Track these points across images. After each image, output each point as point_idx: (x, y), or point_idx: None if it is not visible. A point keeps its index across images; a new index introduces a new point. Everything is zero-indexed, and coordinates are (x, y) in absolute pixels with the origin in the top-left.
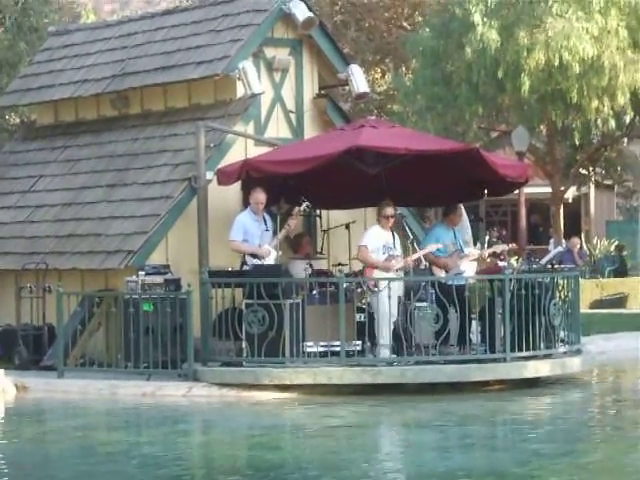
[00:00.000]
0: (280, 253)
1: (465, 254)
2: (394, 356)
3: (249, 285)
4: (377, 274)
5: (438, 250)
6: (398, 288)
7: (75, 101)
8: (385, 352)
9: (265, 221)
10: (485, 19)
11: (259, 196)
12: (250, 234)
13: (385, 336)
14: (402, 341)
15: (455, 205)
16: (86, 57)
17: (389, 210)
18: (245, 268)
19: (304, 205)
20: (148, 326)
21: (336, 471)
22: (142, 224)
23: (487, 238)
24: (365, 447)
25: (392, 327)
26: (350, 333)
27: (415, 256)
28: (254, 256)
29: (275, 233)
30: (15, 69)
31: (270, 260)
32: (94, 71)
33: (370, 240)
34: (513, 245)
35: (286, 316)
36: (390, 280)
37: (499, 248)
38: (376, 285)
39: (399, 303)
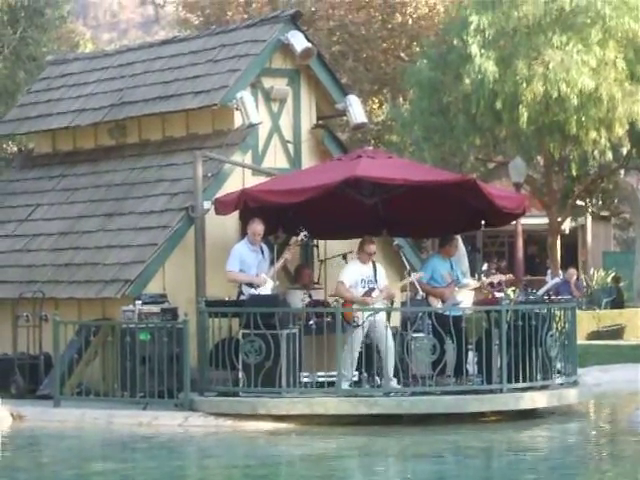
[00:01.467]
0: (277, 283)
1: (462, 285)
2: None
3: (246, 315)
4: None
5: (434, 280)
6: (385, 318)
7: (73, 130)
8: (346, 384)
9: (262, 251)
10: (483, 50)
11: (257, 227)
12: (247, 264)
13: (351, 370)
14: (399, 372)
15: (451, 236)
16: (84, 86)
17: (371, 247)
18: (242, 298)
19: (302, 235)
20: (145, 355)
21: None
22: (139, 253)
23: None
24: (360, 478)
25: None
26: None
27: (393, 290)
28: (251, 285)
29: (272, 263)
30: (13, 98)
31: (267, 289)
32: (92, 100)
33: (347, 276)
34: (510, 276)
35: (283, 346)
36: (374, 311)
37: (496, 279)
38: (354, 319)
39: (395, 333)
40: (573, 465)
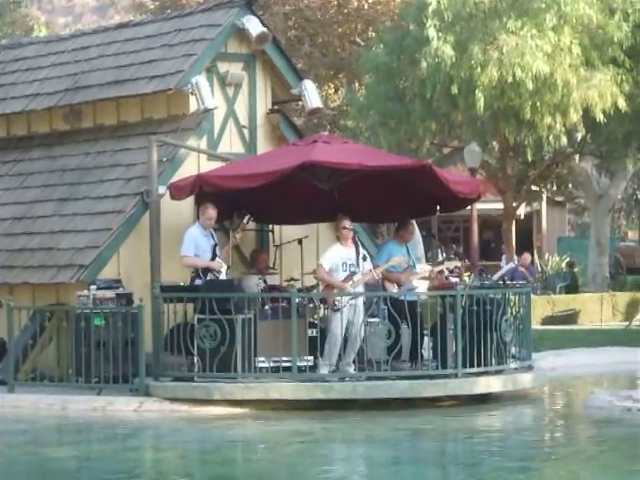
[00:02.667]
0: (227, 267)
1: (417, 270)
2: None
3: (201, 300)
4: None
5: (390, 265)
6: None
7: (27, 115)
8: (327, 369)
9: (212, 236)
10: (440, 34)
11: (211, 212)
12: (201, 249)
13: (335, 355)
14: (355, 357)
15: (406, 221)
16: (38, 71)
17: (345, 222)
18: (197, 282)
19: (246, 219)
20: (99, 341)
21: None
22: (94, 238)
23: (444, 255)
24: (315, 462)
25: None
26: (302, 348)
27: (380, 270)
28: (207, 270)
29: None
30: None
31: (222, 274)
32: (46, 85)
33: (328, 259)
34: (465, 261)
35: (238, 331)
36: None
37: (451, 264)
38: (335, 304)
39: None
40: (527, 448)
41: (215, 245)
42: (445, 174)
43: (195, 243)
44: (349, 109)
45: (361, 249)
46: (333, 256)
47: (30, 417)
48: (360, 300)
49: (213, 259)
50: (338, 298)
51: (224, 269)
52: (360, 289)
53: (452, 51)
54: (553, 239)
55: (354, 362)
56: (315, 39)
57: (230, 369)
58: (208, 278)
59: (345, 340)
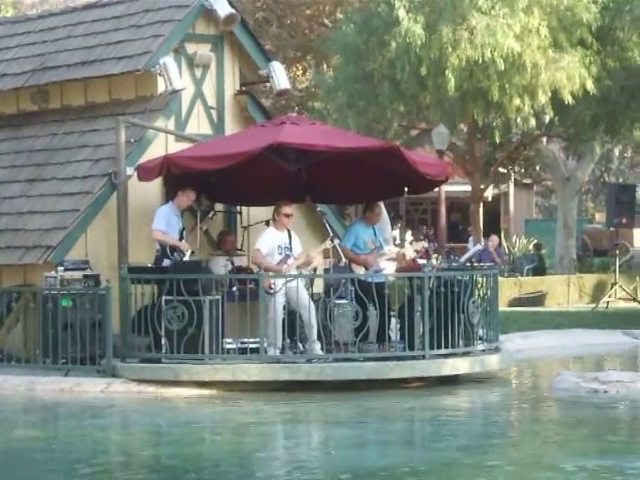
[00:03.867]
0: (191, 252)
1: (384, 252)
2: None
3: (169, 281)
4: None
5: (357, 247)
6: (307, 285)
7: None
8: (272, 351)
9: (181, 219)
10: (410, 15)
11: (192, 195)
12: (171, 227)
13: (278, 337)
14: (322, 338)
15: (373, 203)
16: (5, 51)
17: (287, 208)
18: (166, 263)
19: (211, 214)
20: (67, 322)
21: (251, 467)
22: (61, 219)
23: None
24: (282, 444)
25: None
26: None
27: (312, 254)
28: (173, 251)
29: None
30: None
31: (186, 256)
32: (13, 65)
33: (264, 243)
34: (433, 243)
35: (206, 313)
36: (293, 278)
37: (418, 246)
38: (271, 287)
39: (318, 300)
40: (492, 429)
41: (183, 229)
42: (413, 156)
43: (167, 220)
44: (317, 90)
45: (293, 233)
46: (269, 240)
47: None
48: (300, 281)
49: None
50: (273, 281)
51: (188, 252)
52: (294, 271)
53: (422, 31)
54: (520, 221)
55: (322, 343)
56: (283, 20)
57: (197, 350)
58: (172, 258)
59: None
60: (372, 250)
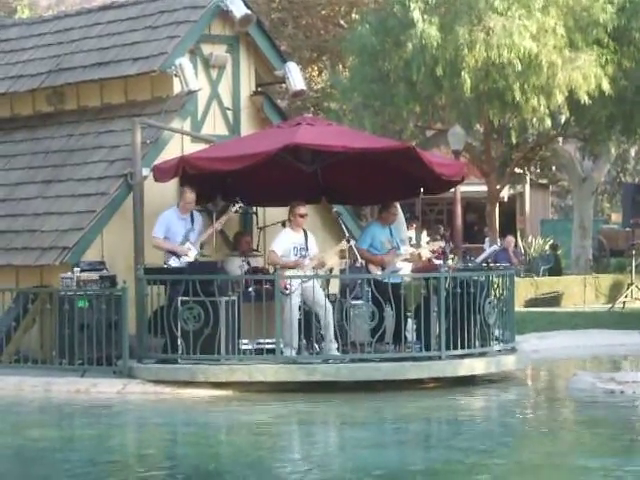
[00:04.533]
0: (200, 252)
1: (400, 252)
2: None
3: (185, 282)
4: (290, 275)
5: (374, 248)
6: (323, 285)
7: (10, 97)
8: (289, 352)
9: (192, 220)
10: (425, 16)
11: (189, 196)
12: (172, 232)
13: (294, 338)
14: (338, 339)
15: (389, 203)
16: (22, 52)
17: (301, 209)
18: (173, 263)
19: (237, 206)
20: (83, 323)
21: (268, 468)
22: (77, 220)
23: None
24: (299, 444)
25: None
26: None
27: (326, 257)
28: (173, 254)
29: (202, 232)
30: None
31: (189, 258)
32: (29, 67)
33: (279, 244)
34: (450, 244)
35: (222, 313)
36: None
37: (435, 246)
38: (287, 287)
39: (334, 300)
40: (509, 430)
41: (189, 230)
42: (429, 156)
43: (167, 226)
44: (333, 91)
45: (309, 234)
46: (285, 241)
47: (13, 399)
48: (316, 281)
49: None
50: (288, 282)
51: (192, 254)
52: (309, 271)
53: (437, 33)
54: (536, 222)
55: (337, 344)
56: (299, 21)
57: (214, 351)
58: (172, 261)
59: (319, 322)
60: (389, 250)
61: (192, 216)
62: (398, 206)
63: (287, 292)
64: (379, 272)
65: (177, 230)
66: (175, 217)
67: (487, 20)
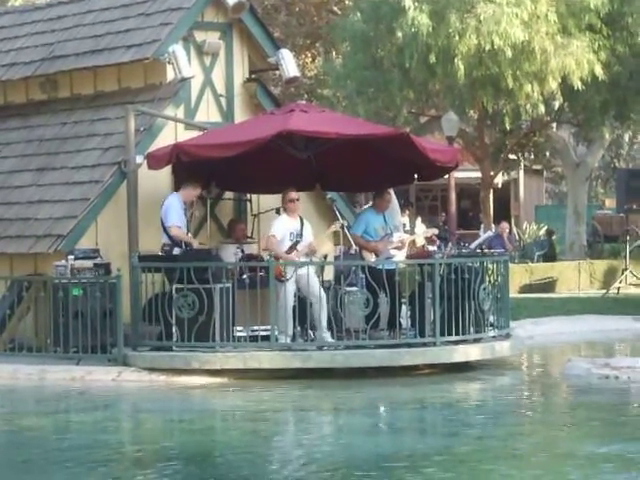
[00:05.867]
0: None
1: (394, 239)
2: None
3: (179, 269)
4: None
5: (368, 234)
6: (318, 272)
7: (3, 84)
8: (283, 339)
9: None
10: (416, 3)
11: (197, 191)
12: (182, 221)
13: (289, 325)
14: (333, 326)
15: (383, 190)
16: (14, 40)
17: (292, 194)
18: (177, 251)
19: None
20: (77, 310)
21: (264, 456)
22: (71, 208)
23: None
24: (294, 431)
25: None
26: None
27: (319, 239)
28: (182, 244)
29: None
30: None
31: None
32: (23, 54)
33: (278, 230)
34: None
35: (216, 301)
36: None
37: (429, 232)
38: (282, 275)
39: (328, 287)
40: (504, 416)
41: (189, 220)
42: (423, 142)
43: (178, 213)
44: (326, 78)
45: (305, 221)
46: (282, 227)
47: (8, 387)
48: (311, 268)
49: None
50: (283, 269)
51: (195, 245)
52: (303, 258)
53: (429, 20)
54: (530, 208)
55: (332, 330)
56: (292, 8)
57: (208, 338)
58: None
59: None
60: (382, 237)
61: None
62: (392, 192)
63: (283, 279)
64: (373, 259)
65: (183, 219)
66: (179, 205)
67: (478, 8)
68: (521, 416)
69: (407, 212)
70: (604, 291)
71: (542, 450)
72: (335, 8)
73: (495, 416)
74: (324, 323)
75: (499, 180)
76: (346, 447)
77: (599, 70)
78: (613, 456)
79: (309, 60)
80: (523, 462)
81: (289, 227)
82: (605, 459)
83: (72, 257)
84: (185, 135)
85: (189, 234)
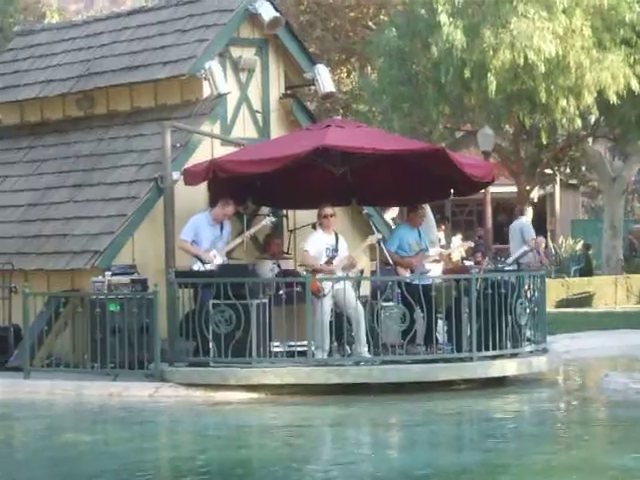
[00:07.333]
0: (225, 261)
1: (428, 254)
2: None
3: (216, 285)
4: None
5: (402, 250)
6: (354, 286)
7: (40, 101)
8: (320, 354)
9: (222, 227)
10: (451, 19)
11: (231, 209)
12: (200, 237)
13: (325, 340)
14: (369, 341)
15: (417, 205)
16: (52, 57)
17: (327, 210)
18: (196, 267)
19: (268, 219)
20: (115, 326)
21: (302, 471)
22: (108, 224)
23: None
24: (332, 447)
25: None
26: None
27: (355, 253)
28: (198, 259)
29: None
30: None
31: (212, 267)
32: (60, 71)
33: (312, 245)
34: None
35: (253, 316)
36: (340, 279)
37: (464, 246)
38: (319, 290)
39: (365, 302)
40: (543, 432)
41: (218, 237)
42: (458, 157)
43: (196, 230)
44: (362, 93)
45: (340, 236)
46: (317, 242)
47: (46, 403)
48: (347, 282)
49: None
50: (325, 284)
51: (217, 262)
52: (340, 272)
53: (463, 36)
54: (566, 222)
55: (369, 346)
56: (327, 23)
57: (245, 354)
58: (197, 266)
59: (350, 324)
60: (417, 252)
61: (222, 224)
62: (428, 207)
63: (320, 295)
64: (407, 274)
65: (205, 236)
66: (205, 223)
67: (512, 23)
68: (559, 431)
69: (443, 227)
70: None
71: (580, 465)
72: (370, 23)
73: (533, 431)
74: (363, 338)
75: (535, 195)
76: (383, 462)
77: (635, 84)
78: None
79: (344, 75)
80: (563, 477)
81: (325, 242)
82: None
83: (109, 273)
84: (221, 151)
85: (213, 251)
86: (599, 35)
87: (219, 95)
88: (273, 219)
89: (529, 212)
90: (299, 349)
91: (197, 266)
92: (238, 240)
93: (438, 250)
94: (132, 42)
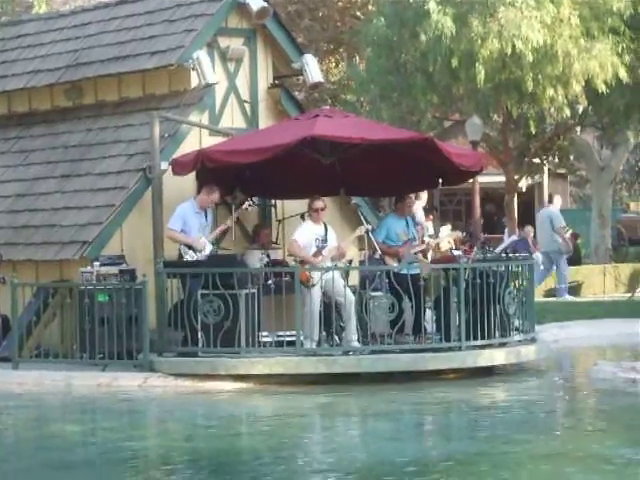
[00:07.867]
0: (213, 249)
1: (416, 243)
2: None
3: (204, 275)
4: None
5: (390, 239)
6: (343, 276)
7: (28, 92)
8: (309, 344)
9: (205, 215)
10: (440, 7)
11: (216, 196)
12: (189, 225)
13: (314, 330)
14: (358, 331)
15: (404, 195)
16: (39, 47)
17: (318, 203)
18: (187, 259)
19: (247, 204)
20: (103, 317)
21: (291, 460)
22: (97, 215)
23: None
24: (321, 436)
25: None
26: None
27: (344, 243)
28: (190, 248)
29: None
30: None
31: (206, 253)
32: (47, 61)
33: (301, 235)
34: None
35: (242, 306)
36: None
37: (452, 235)
38: (308, 280)
39: (353, 292)
40: (531, 420)
41: (204, 225)
42: (447, 147)
43: (184, 219)
44: (350, 83)
45: (329, 227)
46: (306, 233)
47: (35, 394)
48: (336, 272)
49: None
50: (313, 274)
51: (208, 249)
52: (329, 262)
53: (452, 24)
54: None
55: (357, 335)
56: (315, 13)
57: (234, 344)
58: (190, 255)
59: (339, 314)
60: (405, 242)
61: (205, 211)
62: (425, 195)
63: (309, 285)
64: (395, 264)
65: (192, 224)
66: (192, 211)
67: (499, 12)
68: (547, 420)
69: (431, 217)
70: (629, 295)
71: (568, 453)
72: (358, 13)
73: (521, 420)
74: (353, 327)
75: (523, 184)
76: (372, 452)
77: (623, 73)
78: None
79: (333, 65)
80: (548, 465)
81: (314, 232)
82: (636, 462)
83: (98, 263)
84: (210, 141)
85: (202, 238)
86: (587, 24)
87: (207, 85)
88: (248, 204)
89: (558, 200)
90: (288, 339)
91: (189, 256)
92: (221, 227)
93: (429, 240)
94: (120, 32)
